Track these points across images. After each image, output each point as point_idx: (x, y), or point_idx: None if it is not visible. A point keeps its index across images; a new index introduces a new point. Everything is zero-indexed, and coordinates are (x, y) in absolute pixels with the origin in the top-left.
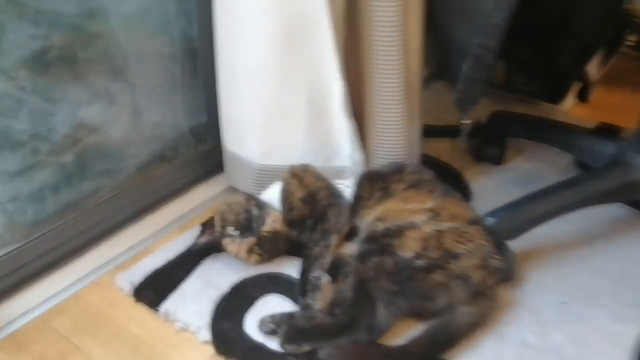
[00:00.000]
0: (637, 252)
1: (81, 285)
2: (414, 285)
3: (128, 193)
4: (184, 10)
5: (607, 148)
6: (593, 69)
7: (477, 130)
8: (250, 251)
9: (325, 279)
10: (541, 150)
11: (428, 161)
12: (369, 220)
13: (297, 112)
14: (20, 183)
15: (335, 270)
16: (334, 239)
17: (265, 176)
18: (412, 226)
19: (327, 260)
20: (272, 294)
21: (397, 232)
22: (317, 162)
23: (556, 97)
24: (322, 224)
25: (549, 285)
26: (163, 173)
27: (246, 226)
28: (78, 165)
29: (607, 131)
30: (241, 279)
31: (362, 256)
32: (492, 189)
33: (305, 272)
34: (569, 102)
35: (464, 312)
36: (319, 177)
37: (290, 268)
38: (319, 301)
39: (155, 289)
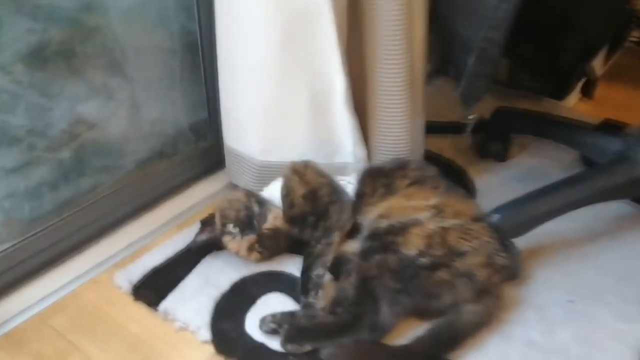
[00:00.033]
0: None
1: (79, 283)
2: (418, 284)
3: (127, 190)
4: (184, 3)
5: (612, 144)
6: (597, 65)
7: (481, 127)
8: (250, 249)
9: (327, 277)
10: (545, 147)
11: (431, 157)
12: (371, 217)
13: (298, 110)
14: (17, 179)
15: (338, 268)
16: (336, 237)
17: (266, 173)
18: (416, 223)
19: (329, 258)
20: (273, 293)
21: (401, 230)
22: (318, 158)
23: (560, 93)
24: (323, 221)
25: (554, 283)
26: (162, 170)
27: (247, 223)
28: (76, 162)
29: (612, 127)
30: (242, 277)
31: (365, 254)
32: (496, 185)
33: (306, 270)
34: (573, 99)
35: (469, 311)
36: (320, 173)
37: (292, 266)
38: (321, 300)
39: (154, 287)
